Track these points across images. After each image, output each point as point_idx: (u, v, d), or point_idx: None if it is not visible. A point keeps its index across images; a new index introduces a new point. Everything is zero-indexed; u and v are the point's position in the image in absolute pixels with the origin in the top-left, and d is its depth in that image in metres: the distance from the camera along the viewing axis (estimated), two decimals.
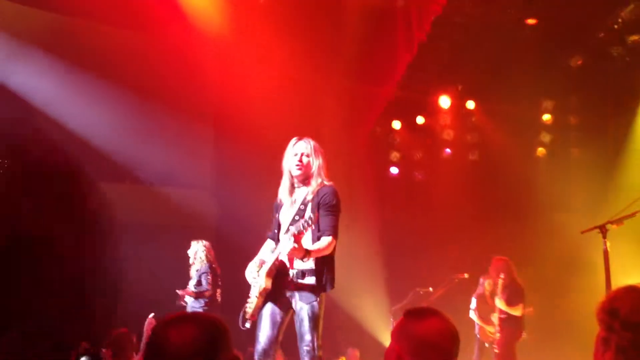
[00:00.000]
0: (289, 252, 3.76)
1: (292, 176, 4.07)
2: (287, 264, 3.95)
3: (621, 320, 1.96)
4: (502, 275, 6.99)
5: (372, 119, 10.48)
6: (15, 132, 8.62)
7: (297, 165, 4.00)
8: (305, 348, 3.88)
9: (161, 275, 7.94)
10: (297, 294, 3.92)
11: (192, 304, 6.74)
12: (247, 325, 4.08)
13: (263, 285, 3.95)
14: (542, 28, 8.55)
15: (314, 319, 3.87)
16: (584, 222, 5.40)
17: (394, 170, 10.85)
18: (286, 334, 4.09)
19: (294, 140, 4.09)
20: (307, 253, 3.78)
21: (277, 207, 4.17)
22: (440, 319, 2.01)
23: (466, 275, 7.80)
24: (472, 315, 7.66)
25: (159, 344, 1.73)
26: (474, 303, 7.70)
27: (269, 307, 4.00)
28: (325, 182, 4.02)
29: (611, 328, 1.98)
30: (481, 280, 7.73)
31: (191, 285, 6.76)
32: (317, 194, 3.94)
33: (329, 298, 8.76)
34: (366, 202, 10.31)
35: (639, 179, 8.83)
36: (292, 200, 4.06)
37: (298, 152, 4.02)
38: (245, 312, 4.08)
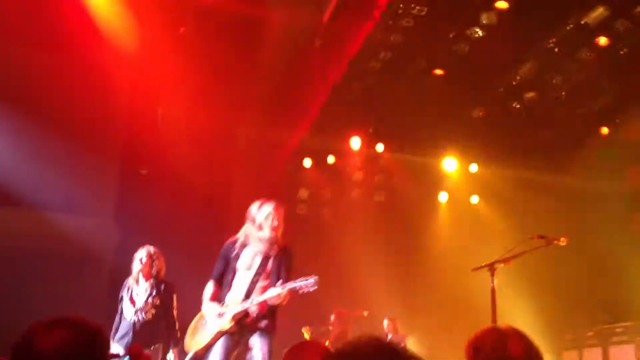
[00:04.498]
0: (283, 300, 4.22)
1: (264, 232, 4.42)
2: (255, 309, 4.29)
3: (483, 358, 2.12)
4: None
5: (284, 156, 10.49)
6: None
7: (274, 231, 4.40)
8: None
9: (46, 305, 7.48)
10: (256, 333, 4.30)
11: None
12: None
13: (226, 327, 4.23)
14: (449, 79, 8.84)
15: (268, 352, 4.29)
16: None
17: (302, 208, 10.84)
18: None
19: (273, 206, 4.44)
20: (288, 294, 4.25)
21: (231, 254, 4.46)
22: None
23: (365, 313, 7.86)
24: None
25: (27, 348, 1.57)
26: None
27: (222, 340, 4.29)
28: (283, 242, 4.46)
29: None
30: (385, 322, 7.81)
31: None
32: (283, 251, 4.42)
33: None
34: None
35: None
36: (254, 252, 4.42)
37: (280, 221, 4.41)
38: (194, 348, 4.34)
